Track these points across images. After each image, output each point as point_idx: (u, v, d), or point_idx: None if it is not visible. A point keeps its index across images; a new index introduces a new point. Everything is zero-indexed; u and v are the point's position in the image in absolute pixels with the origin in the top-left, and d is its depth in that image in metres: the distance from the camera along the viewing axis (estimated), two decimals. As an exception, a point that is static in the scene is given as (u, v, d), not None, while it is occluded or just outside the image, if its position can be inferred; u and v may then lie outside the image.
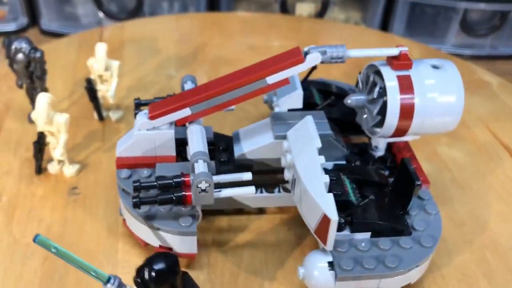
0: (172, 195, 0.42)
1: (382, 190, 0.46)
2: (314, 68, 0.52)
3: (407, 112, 0.44)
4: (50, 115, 0.52)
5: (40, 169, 0.56)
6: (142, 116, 0.47)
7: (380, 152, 0.50)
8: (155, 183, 0.43)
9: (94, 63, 0.61)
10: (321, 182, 0.40)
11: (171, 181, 0.43)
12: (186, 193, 0.42)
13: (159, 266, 0.35)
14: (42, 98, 0.51)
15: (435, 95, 0.44)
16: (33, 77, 0.60)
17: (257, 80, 0.44)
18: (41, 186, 0.55)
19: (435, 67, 0.46)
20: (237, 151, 0.48)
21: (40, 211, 0.52)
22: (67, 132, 0.54)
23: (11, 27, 1.08)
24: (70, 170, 0.56)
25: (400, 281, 0.42)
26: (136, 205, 0.43)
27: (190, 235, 0.44)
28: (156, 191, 0.43)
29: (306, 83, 0.56)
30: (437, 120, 0.46)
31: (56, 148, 0.54)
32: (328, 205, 0.39)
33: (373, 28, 1.06)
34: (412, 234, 0.43)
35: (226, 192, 0.44)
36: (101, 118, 0.64)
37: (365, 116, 0.48)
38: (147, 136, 0.47)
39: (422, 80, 0.44)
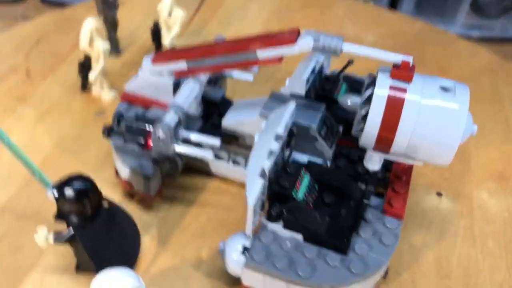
0: (137, 137, 0.45)
1: (347, 201, 0.43)
2: (349, 62, 0.50)
3: (389, 127, 0.40)
4: (93, 39, 0.58)
5: (84, 87, 0.63)
6: (147, 59, 0.49)
7: (373, 166, 0.46)
8: (129, 123, 0.46)
9: (162, 8, 0.65)
10: (259, 165, 0.39)
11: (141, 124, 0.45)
12: (148, 138, 0.44)
13: (75, 185, 0.38)
14: (88, 23, 0.57)
15: (429, 119, 0.39)
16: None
17: (248, 51, 0.44)
18: (78, 101, 0.62)
19: (444, 88, 0.40)
20: (225, 120, 0.48)
21: (65, 118, 0.60)
22: (105, 60, 0.59)
23: None
24: (107, 94, 0.62)
25: None
26: (104, 132, 0.46)
27: (145, 178, 0.46)
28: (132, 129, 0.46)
29: (338, 77, 0.53)
30: (425, 147, 0.40)
31: (92, 71, 0.60)
32: (251, 188, 0.38)
33: (381, 4, 1.02)
34: (349, 255, 0.40)
35: (183, 148, 0.45)
36: None
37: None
38: (148, 79, 0.50)
39: (420, 98, 0.39)
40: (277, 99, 0.47)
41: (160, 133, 0.43)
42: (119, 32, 0.69)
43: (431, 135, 0.39)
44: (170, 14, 0.65)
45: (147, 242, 0.47)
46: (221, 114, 0.50)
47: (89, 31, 0.57)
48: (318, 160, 0.46)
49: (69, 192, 0.38)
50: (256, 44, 0.43)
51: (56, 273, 0.44)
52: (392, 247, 0.41)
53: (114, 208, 0.44)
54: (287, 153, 0.46)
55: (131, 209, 0.48)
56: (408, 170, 0.47)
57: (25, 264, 0.44)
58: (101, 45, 0.58)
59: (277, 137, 0.41)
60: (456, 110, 0.39)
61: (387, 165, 0.46)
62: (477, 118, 0.43)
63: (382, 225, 0.42)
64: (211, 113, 0.52)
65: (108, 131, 0.46)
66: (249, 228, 0.40)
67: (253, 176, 0.39)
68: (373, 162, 0.44)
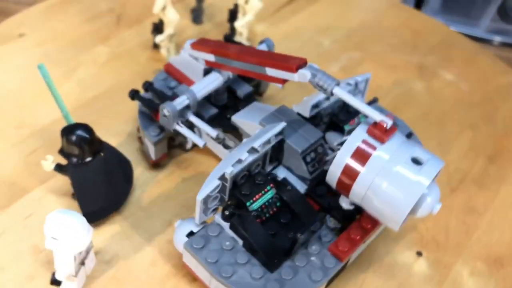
0: (152, 107, 0.51)
1: (300, 226, 0.45)
2: (374, 100, 0.52)
3: (350, 174, 0.42)
4: (166, 6, 0.64)
5: (155, 46, 0.71)
6: (189, 43, 0.55)
7: (344, 204, 0.47)
8: (154, 92, 0.53)
9: None
10: (222, 169, 0.43)
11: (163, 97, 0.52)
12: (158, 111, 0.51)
13: (77, 132, 0.46)
14: None
15: (387, 182, 0.40)
16: None
17: (259, 66, 0.47)
18: (146, 56, 0.70)
19: (415, 160, 0.40)
20: (235, 116, 0.52)
21: (129, 67, 0.68)
22: (173, 28, 0.65)
23: None
24: (172, 56, 0.69)
25: None
26: (130, 93, 0.53)
27: (149, 142, 0.53)
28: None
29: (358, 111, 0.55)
30: (377, 206, 0.41)
31: (160, 35, 0.67)
32: (205, 187, 0.43)
33: (408, 0, 1.03)
34: (273, 275, 0.43)
35: (181, 129, 0.51)
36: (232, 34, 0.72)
37: None
38: (186, 59, 0.56)
39: (386, 160, 0.40)
40: (283, 113, 0.50)
41: (165, 111, 0.49)
42: (206, 3, 0.76)
43: (384, 197, 0.40)
44: (247, 2, 0.69)
45: (136, 196, 0.54)
46: (236, 110, 0.55)
47: None
48: (297, 181, 0.49)
49: (70, 136, 0.46)
50: (267, 62, 0.47)
51: (57, 194, 0.53)
52: (316, 283, 0.43)
53: (115, 156, 0.52)
54: (270, 166, 0.49)
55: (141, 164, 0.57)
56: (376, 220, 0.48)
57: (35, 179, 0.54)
58: (172, 15, 0.64)
59: (250, 150, 0.45)
60: (413, 183, 0.39)
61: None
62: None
63: (319, 261, 0.45)
64: (233, 105, 0.56)
65: (133, 94, 0.53)
66: (197, 218, 0.45)
67: (212, 177, 0.43)
68: (343, 201, 0.46)
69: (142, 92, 0.55)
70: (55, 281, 0.44)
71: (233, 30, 0.72)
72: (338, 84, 0.43)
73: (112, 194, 0.51)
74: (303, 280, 0.43)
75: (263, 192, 0.46)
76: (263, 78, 0.48)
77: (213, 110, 0.55)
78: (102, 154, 0.49)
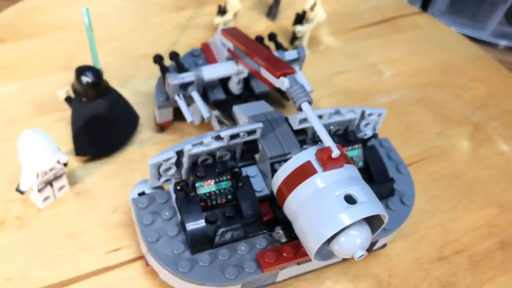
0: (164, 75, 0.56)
1: (237, 223, 0.46)
2: (374, 136, 0.51)
3: (287, 186, 0.41)
4: None
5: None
6: (221, 29, 0.58)
7: None
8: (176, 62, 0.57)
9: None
10: (183, 144, 0.46)
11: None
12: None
13: (87, 73, 0.51)
14: None
15: (311, 208, 0.39)
16: None
17: (257, 64, 0.48)
18: (206, 32, 0.75)
19: (349, 198, 0.39)
20: (235, 107, 0.54)
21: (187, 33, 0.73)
22: (233, 15, 0.68)
23: None
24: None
25: (151, 261, 0.46)
26: (154, 58, 0.57)
27: (156, 106, 0.57)
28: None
29: (355, 137, 0.53)
30: (300, 226, 0.40)
31: (219, 17, 0.70)
32: (160, 154, 0.46)
33: (414, 0, 1.01)
34: (193, 256, 0.45)
35: (179, 101, 0.54)
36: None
37: None
38: (217, 42, 0.59)
39: (322, 186, 0.39)
40: (272, 117, 0.51)
41: (169, 81, 0.53)
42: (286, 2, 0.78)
43: (307, 220, 0.40)
44: (312, 9, 0.69)
45: (131, 149, 0.58)
46: (241, 98, 0.57)
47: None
48: (263, 184, 0.49)
49: (80, 74, 0.52)
50: (262, 62, 0.48)
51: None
52: (227, 280, 0.43)
53: (122, 107, 0.56)
54: (245, 163, 0.50)
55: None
56: None
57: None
58: (233, 1, 0.67)
59: (216, 137, 0.46)
60: (334, 218, 0.38)
61: None
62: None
63: (241, 262, 0.44)
64: (245, 98, 0.58)
65: (156, 59, 0.57)
66: (149, 181, 0.47)
67: (170, 149, 0.46)
68: None
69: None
70: (18, 190, 0.49)
71: (294, 33, 0.73)
72: (310, 102, 0.43)
73: (106, 137, 0.56)
74: (215, 272, 0.44)
75: (217, 180, 0.47)
76: (261, 78, 0.49)
77: (221, 96, 0.57)
78: (103, 99, 0.54)
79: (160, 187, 0.49)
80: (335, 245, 0.39)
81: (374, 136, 0.52)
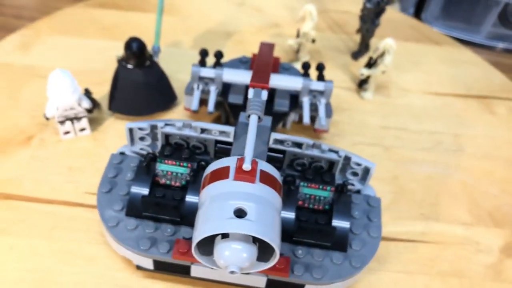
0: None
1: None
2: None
3: (205, 181, 0.43)
4: (305, 18, 0.69)
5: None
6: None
7: None
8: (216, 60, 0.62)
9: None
10: (160, 122, 0.51)
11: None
12: None
13: (134, 43, 0.60)
14: (310, 6, 0.69)
15: (206, 206, 0.41)
16: (374, 21, 0.73)
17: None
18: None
19: (237, 211, 0.39)
20: (243, 114, 0.57)
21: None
22: (305, 38, 0.70)
23: None
24: (304, 57, 0.74)
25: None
26: (200, 51, 0.63)
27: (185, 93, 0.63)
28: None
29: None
30: (196, 220, 0.42)
31: (294, 39, 0.73)
32: (137, 123, 0.51)
33: (407, 5, 1.01)
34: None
35: (195, 91, 0.59)
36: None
37: None
38: None
39: (219, 193, 0.40)
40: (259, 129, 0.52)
41: (191, 70, 0.58)
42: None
43: (200, 216, 0.41)
44: (381, 56, 0.68)
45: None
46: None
47: (308, 10, 0.69)
48: None
49: (126, 43, 0.60)
50: (253, 71, 0.50)
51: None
52: (138, 248, 0.47)
53: (160, 82, 0.63)
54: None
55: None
56: None
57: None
58: (308, 28, 0.69)
59: (188, 125, 0.50)
60: (215, 223, 0.39)
61: None
62: None
63: (160, 239, 0.47)
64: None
65: (201, 52, 0.63)
66: (128, 145, 0.53)
67: (148, 122, 0.51)
68: None
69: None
70: (45, 116, 0.60)
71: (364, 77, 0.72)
72: (259, 118, 0.44)
73: (137, 102, 0.63)
74: (134, 237, 0.47)
75: (177, 163, 0.50)
76: None
77: (238, 100, 0.60)
78: (142, 69, 0.61)
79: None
80: (214, 249, 0.40)
81: (358, 191, 0.50)
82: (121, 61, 0.62)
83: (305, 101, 0.59)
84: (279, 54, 0.77)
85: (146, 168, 0.50)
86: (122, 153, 0.54)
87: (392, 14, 0.89)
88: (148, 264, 0.49)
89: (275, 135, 0.50)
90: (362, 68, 0.69)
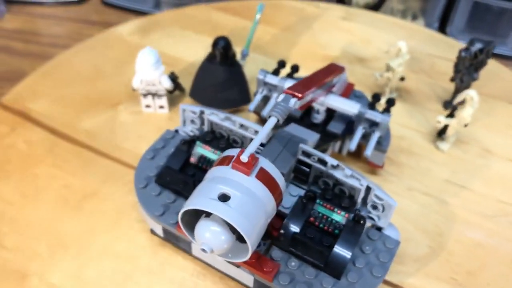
0: None
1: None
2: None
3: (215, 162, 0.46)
4: (398, 54, 0.68)
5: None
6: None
7: None
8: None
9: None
10: (208, 111, 0.55)
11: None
12: None
13: (221, 41, 0.66)
14: (402, 43, 0.67)
15: (199, 186, 0.44)
16: (472, 74, 0.69)
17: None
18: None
19: (222, 196, 0.41)
20: (293, 125, 0.58)
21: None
22: (393, 76, 0.68)
23: None
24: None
25: None
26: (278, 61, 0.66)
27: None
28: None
29: None
30: None
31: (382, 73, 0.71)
32: (191, 106, 0.56)
33: (432, 20, 1.00)
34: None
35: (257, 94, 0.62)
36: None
37: None
38: None
39: (213, 176, 0.43)
40: (293, 140, 0.54)
41: (258, 74, 0.62)
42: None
43: (195, 190, 0.44)
44: (461, 105, 0.64)
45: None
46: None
47: (398, 46, 0.68)
48: None
49: (214, 41, 0.66)
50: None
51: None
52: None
53: (237, 83, 0.68)
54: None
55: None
56: None
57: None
58: (396, 65, 0.68)
59: (228, 119, 0.54)
60: (198, 199, 0.41)
61: None
62: None
63: (169, 212, 0.52)
64: (314, 127, 0.61)
65: (279, 62, 0.65)
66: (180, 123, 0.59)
67: (199, 107, 0.56)
68: None
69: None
70: (132, 88, 0.68)
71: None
72: (278, 120, 0.45)
73: (212, 95, 0.68)
74: (152, 202, 0.52)
75: (212, 150, 0.54)
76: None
77: (297, 113, 0.62)
78: (223, 67, 0.67)
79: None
80: (196, 225, 0.43)
81: (378, 228, 0.49)
82: (208, 56, 0.68)
83: (359, 128, 0.59)
84: (371, 86, 0.76)
85: (184, 146, 0.55)
86: (176, 131, 0.59)
87: (499, 68, 0.82)
88: (159, 230, 0.53)
89: (304, 147, 0.51)
90: (440, 116, 0.65)
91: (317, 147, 0.58)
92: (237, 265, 0.48)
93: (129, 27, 0.86)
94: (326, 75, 0.56)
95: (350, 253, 0.47)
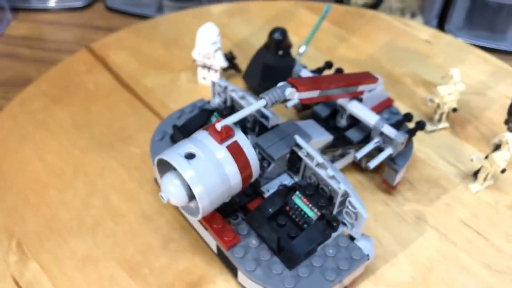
0: None
1: None
2: None
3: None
4: (453, 81, 0.64)
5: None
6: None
7: None
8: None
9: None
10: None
11: None
12: None
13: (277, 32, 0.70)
14: (456, 72, 0.64)
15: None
16: None
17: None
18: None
19: (190, 155, 0.45)
20: (311, 120, 0.61)
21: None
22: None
23: (79, 3, 1.03)
24: (443, 124, 0.69)
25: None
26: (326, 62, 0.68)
27: None
28: None
29: None
30: None
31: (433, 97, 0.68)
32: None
33: (430, 18, 1.02)
34: None
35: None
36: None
37: None
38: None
39: (193, 138, 0.47)
40: (300, 130, 0.57)
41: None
42: None
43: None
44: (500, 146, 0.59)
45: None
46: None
47: (454, 77, 0.64)
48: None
49: (272, 31, 0.69)
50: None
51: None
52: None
53: (288, 70, 0.71)
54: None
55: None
56: None
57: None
58: (445, 92, 0.65)
59: (244, 97, 0.57)
60: (168, 152, 0.46)
61: None
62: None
63: None
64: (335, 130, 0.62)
65: (326, 63, 0.67)
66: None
67: (226, 82, 0.60)
68: None
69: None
70: (192, 58, 0.74)
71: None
72: (266, 103, 0.47)
73: (262, 80, 0.72)
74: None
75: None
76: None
77: (324, 112, 0.63)
78: (277, 57, 0.70)
79: None
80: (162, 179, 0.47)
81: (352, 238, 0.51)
82: (264, 45, 0.72)
83: (373, 141, 0.58)
84: (426, 111, 0.73)
85: (203, 114, 0.59)
86: (208, 102, 0.64)
87: None
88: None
89: (297, 139, 0.53)
90: (475, 154, 0.61)
91: (329, 149, 0.59)
92: (206, 228, 0.52)
93: (220, 8, 0.93)
94: (350, 80, 0.57)
95: (308, 249, 0.48)
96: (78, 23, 0.98)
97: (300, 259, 0.48)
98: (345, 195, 0.49)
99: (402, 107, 0.74)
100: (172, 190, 0.46)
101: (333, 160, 0.61)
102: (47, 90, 0.74)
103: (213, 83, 0.61)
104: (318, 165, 0.51)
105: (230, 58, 0.74)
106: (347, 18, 0.92)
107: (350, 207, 0.49)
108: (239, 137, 0.47)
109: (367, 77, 0.59)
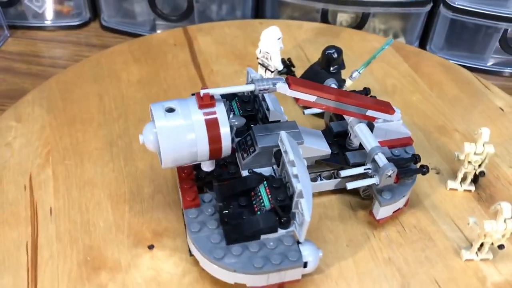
0: None
1: None
2: None
3: None
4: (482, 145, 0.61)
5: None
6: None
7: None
8: None
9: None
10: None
11: None
12: None
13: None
14: (485, 131, 0.60)
15: None
16: None
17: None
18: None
19: (170, 109, 0.49)
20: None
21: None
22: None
23: (75, 22, 1.09)
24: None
25: None
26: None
27: None
28: None
29: None
30: None
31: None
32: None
33: (412, 39, 1.09)
34: None
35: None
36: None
37: None
38: None
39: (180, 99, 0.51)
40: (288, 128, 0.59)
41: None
42: None
43: None
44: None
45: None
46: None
47: (482, 137, 0.61)
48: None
49: (326, 48, 0.73)
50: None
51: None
52: None
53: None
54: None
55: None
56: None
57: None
58: (470, 149, 0.62)
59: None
60: (154, 105, 0.50)
61: None
62: None
63: None
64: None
65: (365, 88, 0.68)
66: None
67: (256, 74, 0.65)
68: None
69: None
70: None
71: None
72: (253, 91, 0.52)
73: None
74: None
75: (237, 109, 0.64)
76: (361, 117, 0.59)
77: (340, 128, 0.65)
78: (328, 73, 0.73)
79: None
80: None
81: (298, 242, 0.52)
82: (316, 61, 0.75)
83: (363, 166, 0.58)
84: (452, 164, 0.70)
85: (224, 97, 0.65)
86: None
87: None
88: None
89: (282, 135, 0.55)
90: (473, 217, 0.57)
91: (328, 163, 0.61)
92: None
93: (312, 25, 0.98)
94: (357, 99, 0.57)
95: (249, 233, 0.50)
96: (74, 41, 1.04)
97: (239, 239, 0.51)
98: (300, 195, 0.51)
99: (431, 157, 0.72)
100: (149, 136, 0.52)
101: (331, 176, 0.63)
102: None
103: (248, 71, 0.66)
104: (289, 162, 0.53)
105: (287, 64, 0.78)
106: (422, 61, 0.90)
107: (299, 208, 0.50)
108: (219, 109, 0.50)
109: (382, 105, 0.59)
